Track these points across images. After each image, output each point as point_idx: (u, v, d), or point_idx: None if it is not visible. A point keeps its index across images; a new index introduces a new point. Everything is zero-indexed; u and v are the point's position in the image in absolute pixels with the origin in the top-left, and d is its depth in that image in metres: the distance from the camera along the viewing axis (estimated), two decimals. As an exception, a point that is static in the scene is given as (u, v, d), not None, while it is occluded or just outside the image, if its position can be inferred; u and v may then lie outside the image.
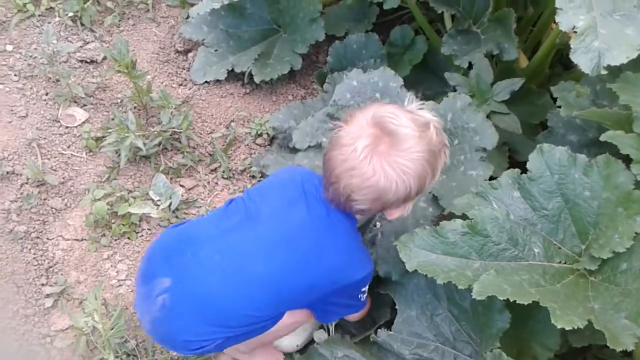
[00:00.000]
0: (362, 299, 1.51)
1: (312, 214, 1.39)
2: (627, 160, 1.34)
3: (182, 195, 2.09)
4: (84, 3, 2.48)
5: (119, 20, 2.55)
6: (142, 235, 2.03)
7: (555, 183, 1.44)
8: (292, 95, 2.49)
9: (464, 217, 1.45)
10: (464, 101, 1.67)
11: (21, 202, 2.00)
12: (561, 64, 2.22)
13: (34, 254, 1.93)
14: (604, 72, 1.22)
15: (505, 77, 1.92)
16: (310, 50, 2.47)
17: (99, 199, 1.96)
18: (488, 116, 1.76)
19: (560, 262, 1.44)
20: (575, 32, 1.25)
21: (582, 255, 1.43)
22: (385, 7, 2.33)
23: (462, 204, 1.51)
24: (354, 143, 1.22)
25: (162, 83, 2.39)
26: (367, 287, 1.50)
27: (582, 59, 1.25)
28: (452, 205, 1.52)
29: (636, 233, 1.31)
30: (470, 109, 1.65)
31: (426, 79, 2.37)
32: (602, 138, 1.37)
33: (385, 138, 1.22)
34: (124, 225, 2.01)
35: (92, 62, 2.42)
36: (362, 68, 1.96)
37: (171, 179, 2.15)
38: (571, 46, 1.25)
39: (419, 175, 1.24)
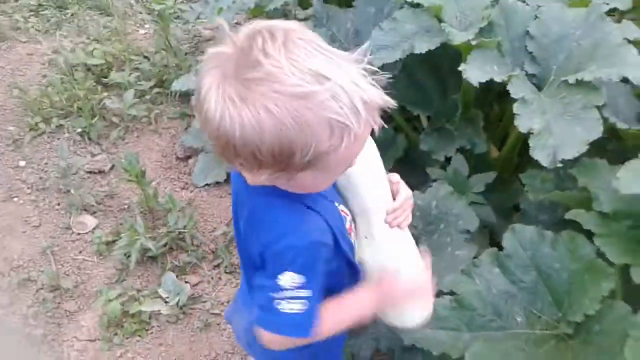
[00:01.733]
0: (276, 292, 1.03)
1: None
2: (588, 234, 1.54)
3: (190, 292, 2.23)
4: (92, 119, 2.72)
5: (124, 134, 2.79)
6: (152, 332, 2.14)
7: (528, 258, 1.63)
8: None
9: (452, 294, 1.63)
10: (446, 190, 1.88)
11: (37, 306, 2.12)
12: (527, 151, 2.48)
13: (50, 356, 2.03)
14: (559, 164, 1.45)
15: (479, 167, 2.16)
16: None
17: (111, 300, 2.10)
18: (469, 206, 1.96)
19: (541, 329, 1.60)
20: (532, 133, 1.49)
21: (560, 322, 1.59)
22: (366, 111, 2.60)
23: (449, 281, 1.68)
24: (213, 51, 0.87)
25: (166, 188, 2.59)
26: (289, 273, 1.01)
27: (540, 155, 1.49)
28: (441, 283, 1.69)
29: (603, 296, 1.49)
30: (453, 196, 1.86)
31: (407, 172, 2.59)
32: (567, 216, 1.57)
33: (238, 57, 0.83)
34: (135, 323, 2.13)
35: (99, 172, 2.62)
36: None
37: (177, 276, 2.30)
38: (530, 145, 1.49)
39: (248, 127, 0.81)
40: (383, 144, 2.65)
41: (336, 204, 1.17)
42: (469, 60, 1.64)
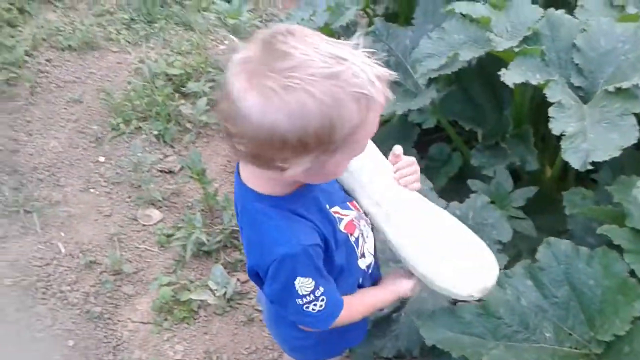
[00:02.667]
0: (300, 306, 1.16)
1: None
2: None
3: (237, 287, 2.34)
4: (167, 123, 2.93)
5: (196, 138, 2.97)
6: (199, 321, 2.26)
7: (562, 272, 1.60)
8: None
9: (480, 301, 1.62)
10: (483, 201, 1.89)
11: (99, 287, 2.30)
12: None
13: (105, 332, 2.20)
14: (589, 167, 1.44)
15: (530, 186, 2.14)
16: (358, 163, 2.78)
17: (164, 285, 2.24)
18: (507, 220, 1.95)
19: (570, 347, 1.56)
20: (564, 135, 1.49)
21: (590, 341, 1.55)
22: (424, 126, 2.64)
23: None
24: (235, 57, 0.93)
25: (227, 190, 2.73)
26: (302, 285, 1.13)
27: (572, 157, 1.48)
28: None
29: (634, 317, 1.44)
30: (489, 207, 1.86)
31: (461, 189, 2.59)
32: (599, 231, 1.54)
33: (264, 53, 0.90)
34: (184, 311, 2.26)
35: (170, 172, 2.81)
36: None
37: (229, 272, 2.41)
38: (562, 147, 1.48)
39: (293, 113, 0.87)
40: (439, 161, 2.69)
41: (327, 206, 1.21)
42: (511, 66, 1.66)
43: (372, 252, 1.37)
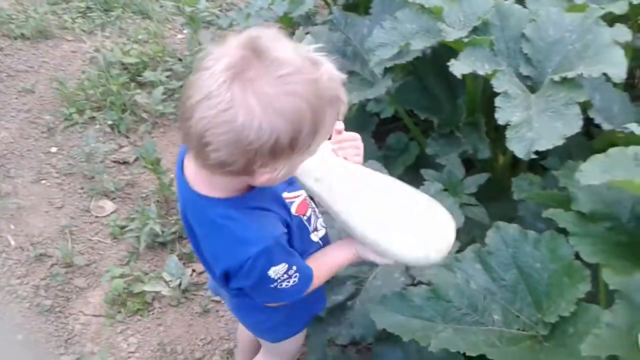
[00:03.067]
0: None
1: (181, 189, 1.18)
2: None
3: (193, 278, 2.31)
4: (122, 113, 2.88)
5: (152, 129, 2.93)
6: (153, 313, 2.23)
7: (510, 256, 1.62)
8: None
9: (429, 285, 1.64)
10: (436, 187, 1.90)
11: (50, 279, 2.25)
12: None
13: (56, 326, 2.15)
14: (533, 156, 1.46)
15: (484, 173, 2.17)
16: (316, 154, 2.78)
17: (116, 277, 2.20)
18: (459, 207, 1.97)
19: (518, 329, 1.59)
20: (509, 124, 1.51)
21: (537, 323, 1.58)
22: (382, 116, 2.66)
23: (430, 274, 1.69)
24: (215, 64, 0.90)
25: (183, 181, 2.70)
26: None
27: (517, 146, 1.51)
28: (421, 275, 1.70)
29: (578, 299, 1.47)
30: (442, 194, 1.87)
31: (419, 178, 2.62)
32: (544, 215, 1.57)
33: (255, 61, 0.89)
34: (137, 303, 2.22)
35: (124, 162, 2.76)
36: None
37: (184, 263, 2.38)
38: (507, 136, 1.51)
39: (293, 118, 0.90)
40: (396, 150, 2.70)
41: (280, 194, 1.22)
42: (460, 57, 1.67)
43: (324, 225, 1.38)
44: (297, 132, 0.91)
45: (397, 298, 1.59)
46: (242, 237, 1.09)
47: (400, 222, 1.23)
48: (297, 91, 0.89)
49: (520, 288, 1.62)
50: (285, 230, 1.18)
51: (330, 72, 0.95)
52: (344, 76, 0.98)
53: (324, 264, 1.32)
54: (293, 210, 1.25)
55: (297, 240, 1.25)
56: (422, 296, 1.59)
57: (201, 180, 1.11)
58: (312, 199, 1.32)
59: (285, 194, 1.25)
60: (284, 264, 1.14)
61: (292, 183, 1.28)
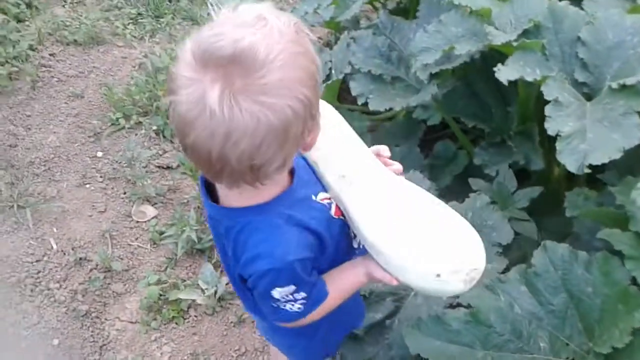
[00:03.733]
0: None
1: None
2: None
3: (229, 287, 2.27)
4: (167, 119, 2.88)
5: (195, 134, 2.91)
6: (188, 321, 2.20)
7: (559, 278, 1.49)
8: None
9: (469, 308, 1.52)
10: (483, 201, 1.79)
11: (88, 284, 2.25)
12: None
13: (92, 331, 2.14)
14: (587, 170, 1.33)
15: (537, 185, 2.03)
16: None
17: (151, 284, 2.19)
18: (509, 221, 1.85)
19: (567, 359, 1.45)
20: (560, 135, 1.38)
21: (589, 352, 1.44)
22: (429, 123, 2.55)
23: (472, 294, 1.57)
24: (202, 101, 0.81)
25: (224, 187, 2.67)
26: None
27: (568, 159, 1.38)
28: (463, 296, 1.59)
29: (634, 328, 1.33)
30: (489, 208, 1.76)
31: (468, 189, 2.49)
32: (599, 235, 1.43)
33: (230, 68, 0.81)
34: (173, 310, 2.20)
35: (167, 167, 2.75)
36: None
37: (221, 271, 2.35)
38: (557, 148, 1.38)
39: (298, 74, 0.85)
40: (444, 159, 2.59)
41: (313, 197, 1.13)
42: (508, 61, 1.56)
43: None
44: (308, 78, 0.88)
45: (433, 322, 1.49)
46: (254, 250, 1.04)
47: (418, 237, 1.06)
48: (283, 54, 0.84)
49: (569, 314, 1.49)
50: (311, 256, 1.08)
51: (272, 14, 0.86)
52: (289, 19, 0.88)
53: (335, 288, 1.18)
54: (332, 212, 1.15)
55: (337, 247, 1.17)
56: (460, 320, 1.48)
57: (226, 194, 1.06)
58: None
59: (322, 195, 1.16)
60: (292, 286, 1.06)
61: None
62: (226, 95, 0.80)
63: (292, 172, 1.09)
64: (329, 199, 1.16)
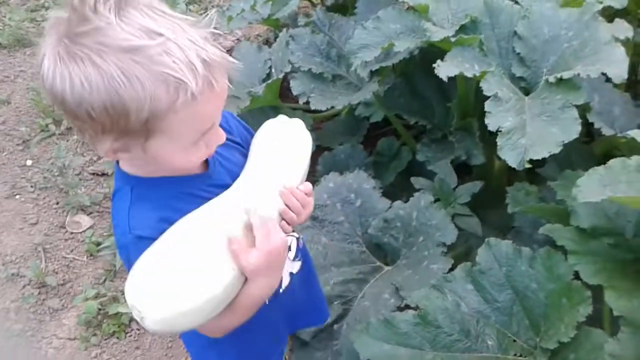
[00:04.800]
0: None
1: None
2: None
3: (172, 297, 2.18)
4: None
5: (132, 138, 2.80)
6: (131, 335, 2.10)
7: (504, 275, 1.49)
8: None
9: (417, 310, 1.50)
10: (427, 200, 1.78)
11: (21, 301, 2.13)
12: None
13: (27, 352, 2.02)
14: (527, 165, 1.32)
15: (478, 181, 2.03)
16: (304, 161, 2.65)
17: (89, 299, 2.08)
18: (452, 218, 1.84)
19: (515, 355, 1.45)
20: (500, 131, 1.37)
21: (536, 348, 1.44)
22: (371, 120, 2.53)
23: (419, 295, 1.55)
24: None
25: (164, 193, 2.58)
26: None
27: (509, 154, 1.37)
28: (409, 297, 1.57)
29: (578, 322, 1.33)
30: (432, 207, 1.75)
31: (410, 186, 2.49)
32: (541, 231, 1.44)
33: (69, 16, 0.79)
34: (113, 324, 2.10)
35: (102, 175, 2.63)
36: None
37: (164, 281, 2.26)
38: (497, 143, 1.37)
39: (82, 84, 0.79)
40: (387, 156, 2.57)
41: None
42: (447, 58, 1.54)
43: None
44: (87, 102, 0.81)
45: (382, 325, 1.46)
46: (116, 220, 0.99)
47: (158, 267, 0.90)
48: (84, 55, 0.79)
49: (515, 310, 1.48)
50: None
51: (171, 45, 0.81)
52: (216, 58, 0.84)
53: None
54: None
55: None
56: (409, 322, 1.45)
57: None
58: None
59: None
60: None
61: None
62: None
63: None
64: None
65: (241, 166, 1.09)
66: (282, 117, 1.19)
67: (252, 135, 1.17)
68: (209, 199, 1.01)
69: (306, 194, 1.08)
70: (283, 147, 1.11)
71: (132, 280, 0.89)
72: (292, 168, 1.11)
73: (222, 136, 0.97)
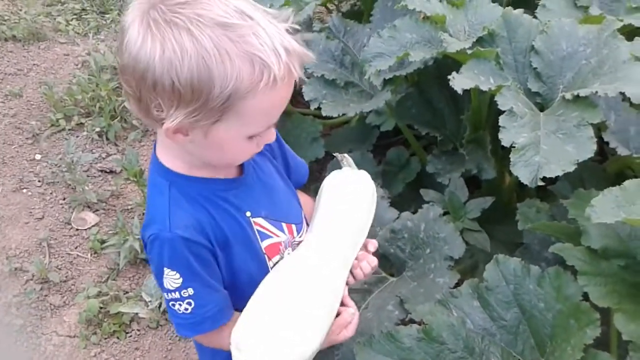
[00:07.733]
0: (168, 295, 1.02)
1: None
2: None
3: (174, 298, 2.17)
4: (111, 120, 2.75)
5: (142, 137, 2.80)
6: (130, 335, 2.09)
7: (511, 293, 1.46)
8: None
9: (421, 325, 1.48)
10: (435, 212, 1.75)
11: (22, 297, 2.12)
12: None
13: (27, 347, 2.01)
14: (540, 182, 1.30)
15: (488, 195, 2.00)
16: (313, 166, 2.63)
17: (91, 297, 2.07)
18: (461, 232, 1.82)
19: (519, 375, 1.43)
20: (514, 147, 1.35)
21: (541, 369, 1.41)
22: (382, 129, 2.51)
23: (424, 310, 1.53)
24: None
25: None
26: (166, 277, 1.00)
27: (522, 171, 1.34)
28: (414, 311, 1.55)
29: (586, 345, 1.31)
30: (441, 219, 1.72)
31: (419, 197, 2.46)
32: (551, 250, 1.41)
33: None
34: (114, 324, 2.09)
35: (111, 172, 2.63)
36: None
37: (166, 282, 2.24)
38: (511, 160, 1.35)
39: (175, 51, 0.80)
40: (396, 166, 2.55)
41: (248, 213, 1.07)
42: (462, 70, 1.52)
43: None
44: (175, 71, 0.82)
45: (386, 338, 1.43)
46: (153, 213, 1.00)
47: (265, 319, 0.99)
48: (182, 23, 0.82)
49: (522, 329, 1.46)
50: (207, 245, 0.99)
51: (259, 30, 0.84)
52: (297, 49, 0.87)
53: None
54: (263, 245, 1.09)
55: (247, 264, 1.08)
56: (412, 337, 1.43)
57: (159, 144, 1.03)
58: None
59: (260, 220, 1.09)
60: (178, 274, 0.97)
61: (288, 222, 1.14)
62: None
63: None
64: (266, 229, 1.10)
65: (271, 177, 1.14)
66: (347, 171, 1.29)
67: (279, 144, 1.21)
68: (238, 206, 1.04)
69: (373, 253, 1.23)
70: (355, 204, 1.22)
71: (246, 325, 0.98)
72: (364, 225, 1.21)
73: (273, 135, 0.99)
